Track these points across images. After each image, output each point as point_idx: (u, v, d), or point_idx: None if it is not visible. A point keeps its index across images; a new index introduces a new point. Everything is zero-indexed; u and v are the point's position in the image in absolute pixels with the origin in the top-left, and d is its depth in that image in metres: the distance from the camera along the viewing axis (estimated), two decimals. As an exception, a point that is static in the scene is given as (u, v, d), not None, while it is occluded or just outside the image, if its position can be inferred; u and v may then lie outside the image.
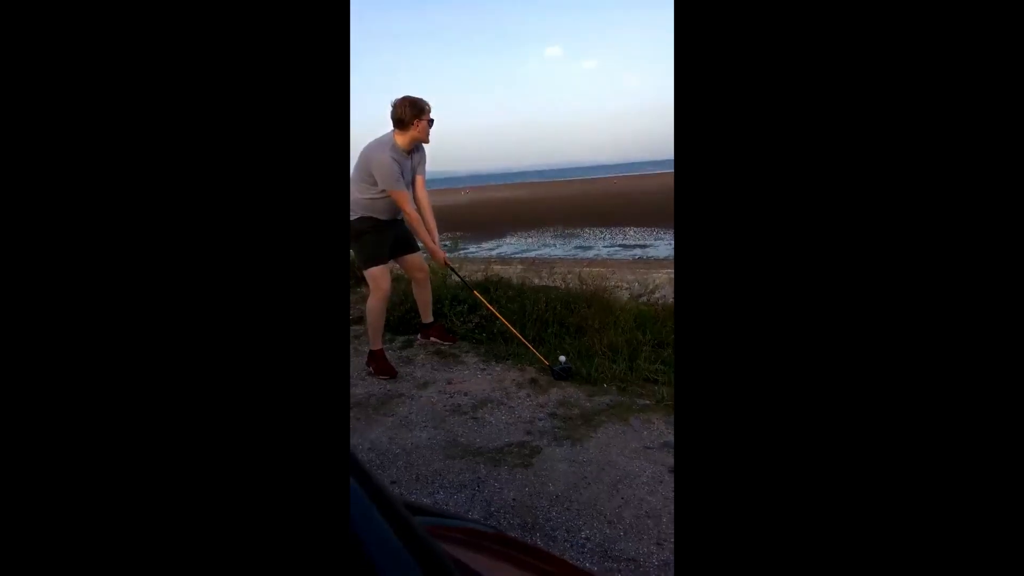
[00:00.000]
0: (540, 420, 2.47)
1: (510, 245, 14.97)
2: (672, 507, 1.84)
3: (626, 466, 2.07)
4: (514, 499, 1.93)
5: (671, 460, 2.09)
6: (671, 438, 2.24)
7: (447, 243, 8.51)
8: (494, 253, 12.50)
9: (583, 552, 1.66)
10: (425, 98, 2.80)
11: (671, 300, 3.81)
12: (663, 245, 12.53)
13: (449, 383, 2.92)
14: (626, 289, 4.19)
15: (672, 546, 1.66)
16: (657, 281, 4.50)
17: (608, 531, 1.74)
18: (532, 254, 12.51)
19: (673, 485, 1.94)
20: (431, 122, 2.84)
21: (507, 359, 3.14)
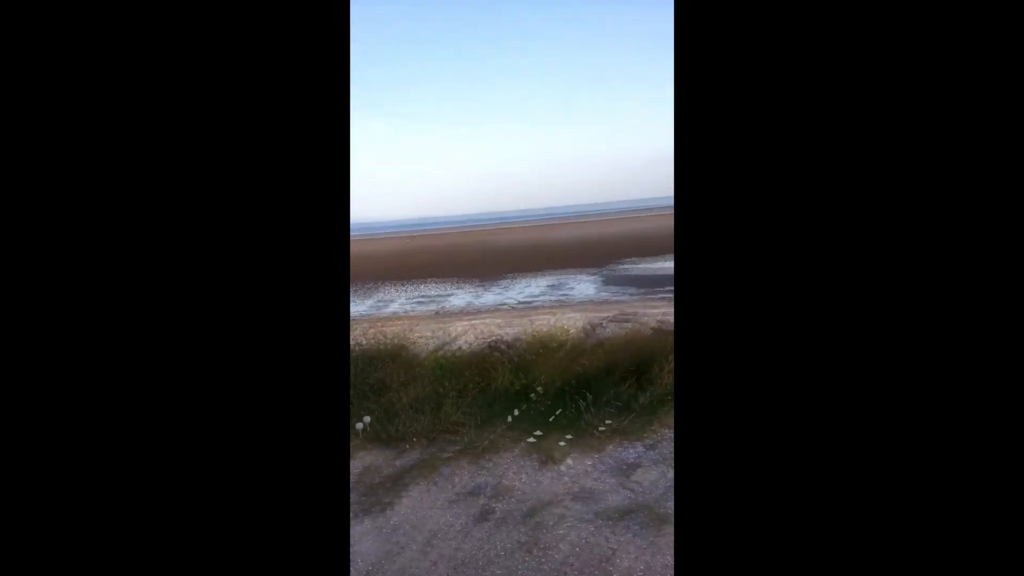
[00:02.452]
0: (345, 490, 2.29)
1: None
2: (486, 547, 1.84)
3: (438, 520, 2.03)
4: (319, 585, 1.73)
5: (480, 503, 2.11)
6: (480, 480, 2.27)
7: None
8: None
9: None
10: None
11: (472, 347, 3.92)
12: (462, 295, 12.93)
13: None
14: (431, 339, 4.20)
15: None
16: (457, 331, 4.62)
17: (425, 593, 1.66)
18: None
19: (483, 528, 1.96)
20: None
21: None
